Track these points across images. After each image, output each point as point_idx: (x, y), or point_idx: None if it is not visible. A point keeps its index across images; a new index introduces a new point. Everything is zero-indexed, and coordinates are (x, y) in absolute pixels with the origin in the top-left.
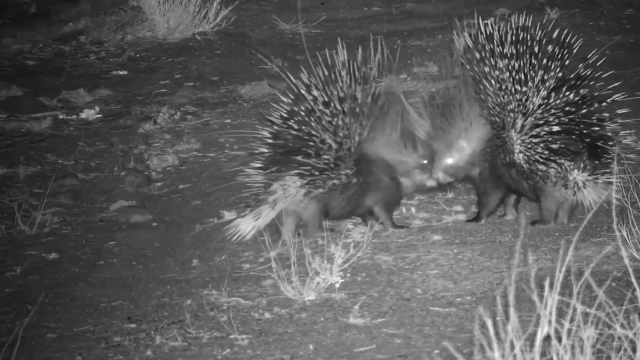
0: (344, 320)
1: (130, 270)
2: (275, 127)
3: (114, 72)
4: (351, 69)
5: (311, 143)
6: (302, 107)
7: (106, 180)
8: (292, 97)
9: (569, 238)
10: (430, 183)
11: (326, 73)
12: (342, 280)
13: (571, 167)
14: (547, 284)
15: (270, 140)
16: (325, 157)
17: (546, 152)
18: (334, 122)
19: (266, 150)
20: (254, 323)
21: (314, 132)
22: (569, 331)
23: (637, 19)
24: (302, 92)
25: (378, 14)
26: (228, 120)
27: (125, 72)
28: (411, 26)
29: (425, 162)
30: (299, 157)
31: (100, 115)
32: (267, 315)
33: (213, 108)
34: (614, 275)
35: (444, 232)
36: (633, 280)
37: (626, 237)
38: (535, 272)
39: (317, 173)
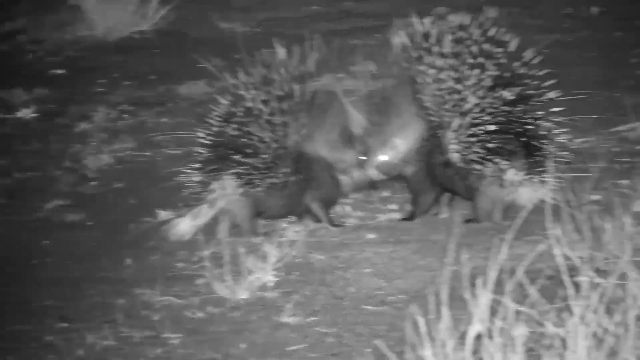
0: (276, 319)
1: (63, 269)
2: (214, 127)
3: (52, 71)
4: (289, 67)
5: (249, 142)
6: (241, 106)
7: (42, 179)
8: (230, 97)
9: (503, 236)
10: (365, 179)
11: (264, 72)
12: (276, 279)
13: (507, 166)
14: (479, 282)
15: (208, 140)
16: (263, 156)
17: (482, 151)
18: (272, 121)
19: (204, 151)
20: (186, 322)
21: (252, 131)
22: (501, 329)
23: (575, 18)
24: (241, 91)
25: (317, 13)
26: (165, 120)
27: (64, 71)
28: (350, 25)
29: (364, 159)
30: (237, 157)
31: (37, 114)
32: (199, 314)
33: (150, 107)
34: (546, 273)
35: (378, 230)
36: (565, 278)
37: (559, 236)
38: (468, 270)
39: (255, 172)
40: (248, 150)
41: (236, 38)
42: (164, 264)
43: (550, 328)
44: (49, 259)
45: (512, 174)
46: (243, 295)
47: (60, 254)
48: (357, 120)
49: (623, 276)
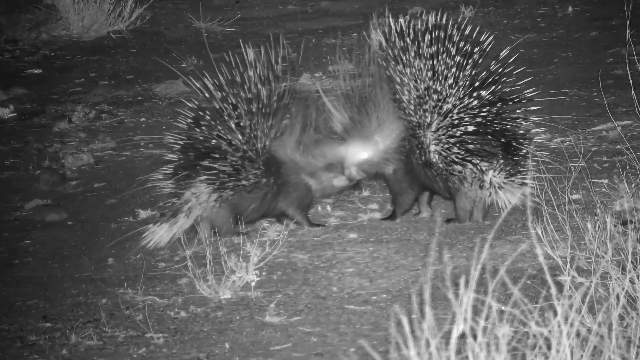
0: (259, 318)
1: (45, 269)
2: (184, 132)
3: (28, 70)
4: (258, 69)
5: (218, 145)
6: (208, 110)
7: (21, 179)
8: (198, 101)
9: (484, 236)
10: (339, 182)
11: (234, 73)
12: (258, 279)
13: (487, 167)
14: (462, 281)
15: (179, 146)
16: (232, 159)
17: (462, 152)
18: (241, 124)
19: (175, 157)
20: (169, 322)
21: (221, 135)
22: (485, 329)
23: (551, 17)
24: (211, 93)
25: (293, 13)
26: (143, 119)
27: (40, 71)
28: (326, 24)
29: (333, 162)
30: (205, 162)
31: (15, 114)
32: (182, 313)
33: (128, 107)
34: (528, 273)
35: (360, 230)
36: (547, 278)
37: (541, 235)
38: (450, 270)
39: (224, 177)
40: (215, 155)
41: (213, 37)
42: (146, 263)
43: (533, 327)
44: (31, 258)
45: (491, 175)
46: (226, 294)
47: (41, 254)
48: (336, 117)
49: (605, 275)
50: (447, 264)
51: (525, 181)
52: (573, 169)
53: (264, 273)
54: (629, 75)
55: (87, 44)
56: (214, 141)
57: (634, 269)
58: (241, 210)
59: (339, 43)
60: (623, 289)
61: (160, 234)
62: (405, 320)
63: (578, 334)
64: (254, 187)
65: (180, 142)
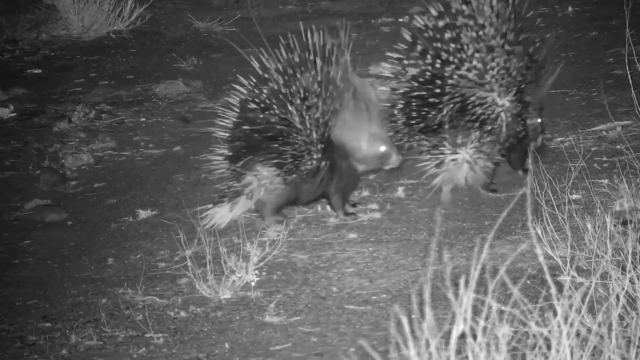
0: (259, 318)
1: (45, 269)
2: (245, 115)
3: (28, 70)
4: (322, 52)
5: (282, 130)
6: (272, 93)
7: (21, 179)
8: (255, 82)
9: (484, 236)
10: (386, 166)
11: (295, 58)
12: (258, 279)
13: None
14: (462, 281)
15: (232, 130)
16: (296, 143)
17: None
18: (304, 106)
19: (231, 138)
20: (169, 322)
21: (284, 117)
22: (484, 329)
23: (551, 17)
24: (271, 75)
25: (293, 13)
26: (143, 119)
27: (40, 71)
28: (326, 24)
29: (384, 149)
30: (270, 146)
31: (15, 114)
32: (182, 313)
33: (128, 106)
34: (528, 273)
35: (360, 230)
36: (547, 277)
37: (541, 235)
38: (450, 270)
39: (289, 160)
40: (280, 139)
41: (213, 37)
42: (146, 263)
43: (533, 327)
44: (30, 258)
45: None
46: (226, 294)
47: (41, 254)
48: (373, 106)
49: (605, 275)
50: (447, 264)
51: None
52: (573, 169)
53: (263, 273)
54: (629, 75)
55: (87, 44)
56: (278, 125)
57: (634, 269)
58: (299, 194)
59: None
60: (623, 289)
61: (220, 215)
62: (405, 320)
63: (578, 334)
64: (314, 171)
65: (236, 125)
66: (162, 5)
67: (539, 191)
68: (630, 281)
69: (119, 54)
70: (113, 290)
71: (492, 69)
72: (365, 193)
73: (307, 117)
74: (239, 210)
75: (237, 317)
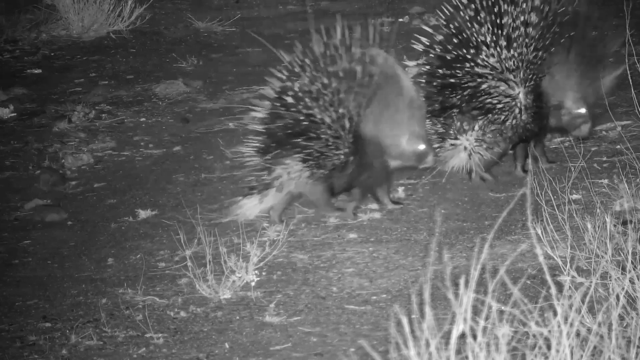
0: (259, 318)
1: (45, 269)
2: (270, 111)
3: (28, 70)
4: (349, 46)
5: (311, 124)
6: (301, 89)
7: (21, 179)
8: (285, 77)
9: (484, 236)
10: (421, 165)
11: (322, 50)
12: (258, 279)
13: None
14: (462, 281)
15: (265, 123)
16: (324, 137)
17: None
18: (332, 101)
19: (263, 130)
20: (169, 322)
21: (314, 113)
22: (484, 329)
23: None
24: (298, 70)
25: (293, 13)
26: (143, 119)
27: (40, 71)
28: (326, 24)
29: (423, 148)
30: (300, 140)
31: (15, 114)
32: (182, 313)
33: (128, 106)
34: (528, 273)
35: (360, 230)
36: (547, 278)
37: (541, 235)
38: (450, 270)
39: (317, 154)
40: (310, 133)
41: (213, 37)
42: (145, 263)
43: (533, 327)
44: (30, 258)
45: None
46: (225, 294)
47: (41, 254)
48: (415, 102)
49: (605, 275)
50: (447, 264)
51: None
52: (573, 169)
53: (263, 273)
54: (629, 75)
55: (87, 44)
56: (307, 121)
57: (634, 269)
58: (333, 186)
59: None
60: (623, 289)
61: (249, 206)
62: (405, 320)
63: (578, 334)
64: (344, 166)
65: (269, 119)
66: (162, 5)
67: (539, 191)
68: (630, 281)
69: (119, 54)
70: (113, 290)
71: (509, 59)
72: None
73: (333, 112)
74: (269, 202)
75: (237, 317)
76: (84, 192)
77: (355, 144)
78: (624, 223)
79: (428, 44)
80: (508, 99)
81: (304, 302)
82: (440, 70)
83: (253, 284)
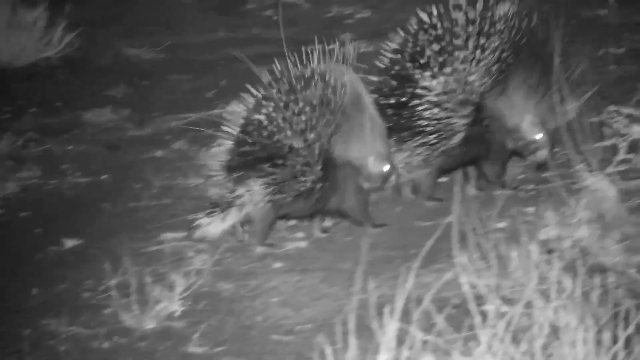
0: (183, 349)
1: None
2: (240, 133)
3: None
4: (322, 73)
5: (278, 150)
6: (271, 115)
7: None
8: (261, 105)
9: (410, 265)
10: (389, 184)
11: (296, 78)
12: (183, 309)
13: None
14: (387, 311)
15: (234, 145)
16: (292, 164)
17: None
18: (304, 127)
19: (231, 156)
20: (93, 353)
21: (281, 138)
22: (408, 358)
23: None
24: (271, 94)
25: (224, 39)
26: (71, 147)
27: None
28: (257, 51)
29: (386, 167)
30: (265, 166)
31: None
32: (106, 344)
33: (56, 134)
34: (453, 302)
35: (285, 259)
36: (472, 307)
37: (466, 264)
38: (375, 299)
39: (282, 181)
40: (278, 160)
41: (143, 64)
42: (70, 293)
43: (457, 357)
44: None
45: None
46: (150, 325)
47: None
48: (377, 122)
49: (529, 304)
50: (371, 294)
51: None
52: (499, 197)
53: (189, 303)
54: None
55: (15, 71)
56: (276, 146)
57: (558, 298)
58: (290, 210)
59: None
60: (547, 318)
61: (213, 225)
62: (328, 350)
63: None
64: (309, 192)
65: (237, 143)
66: (92, 32)
67: (465, 219)
68: (553, 310)
69: (48, 81)
70: (37, 320)
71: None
72: (292, 222)
73: (303, 140)
74: (231, 221)
75: (161, 348)
76: (9, 222)
77: (325, 170)
78: (549, 252)
79: (383, 66)
80: (442, 124)
81: (228, 332)
82: (388, 91)
83: (178, 313)
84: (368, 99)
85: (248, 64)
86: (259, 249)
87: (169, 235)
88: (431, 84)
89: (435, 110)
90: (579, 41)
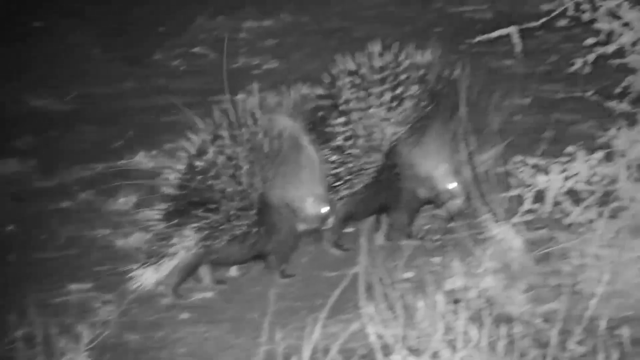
0: None
1: None
2: (176, 180)
3: None
4: (255, 117)
5: (211, 195)
6: (204, 159)
7: None
8: (194, 150)
9: (317, 315)
10: (326, 227)
11: (228, 122)
12: None
13: None
14: None
15: (171, 191)
16: (226, 209)
17: None
18: (236, 173)
19: (166, 203)
20: None
21: (216, 183)
22: None
23: None
24: (205, 140)
25: (131, 89)
26: None
27: None
28: (164, 102)
29: (325, 209)
30: (198, 212)
31: None
32: None
33: None
34: (360, 352)
35: (193, 310)
36: (378, 357)
37: (373, 314)
38: (282, 350)
39: (216, 225)
40: (209, 205)
41: (49, 115)
42: None
43: None
44: None
45: None
46: None
47: None
48: (316, 165)
49: (436, 354)
50: (279, 344)
51: None
52: (405, 247)
53: (95, 354)
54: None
55: None
56: (209, 190)
57: (464, 348)
58: (225, 258)
59: (175, 120)
60: None
61: (146, 277)
62: None
63: None
64: (244, 236)
65: (176, 183)
66: None
67: (371, 270)
68: None
69: None
70: None
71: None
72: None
73: (238, 184)
74: (165, 271)
75: None
76: None
77: (260, 214)
78: (456, 301)
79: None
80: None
81: None
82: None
83: None
84: (307, 141)
85: (184, 111)
86: (166, 300)
87: (74, 286)
88: (341, 129)
89: (341, 154)
90: (486, 91)
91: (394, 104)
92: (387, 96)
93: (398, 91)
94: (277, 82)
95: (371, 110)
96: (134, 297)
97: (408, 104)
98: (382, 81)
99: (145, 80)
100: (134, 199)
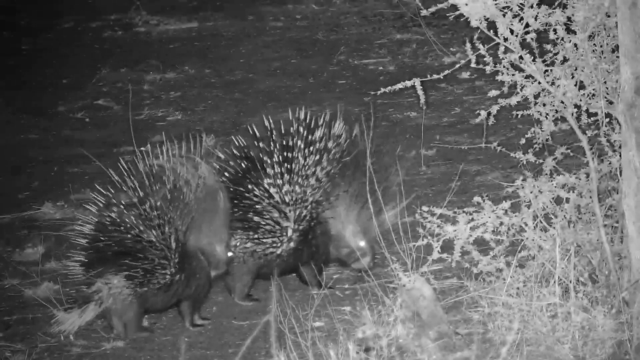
0: None
1: None
2: (93, 231)
3: None
4: (172, 165)
5: (137, 244)
6: (126, 209)
7: None
8: (105, 201)
9: None
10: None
11: (147, 171)
12: None
13: None
14: None
15: (88, 242)
16: (150, 257)
17: None
18: (158, 222)
19: (87, 244)
20: None
21: (138, 233)
22: None
23: None
24: (128, 191)
25: (35, 141)
26: None
27: None
28: (68, 152)
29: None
30: (123, 260)
31: None
32: None
33: None
34: None
35: (103, 359)
36: None
37: None
38: None
39: (141, 274)
40: (138, 254)
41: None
42: None
43: None
44: None
45: None
46: None
47: None
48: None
49: None
50: None
51: None
52: (316, 296)
53: None
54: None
55: None
56: (134, 240)
57: None
58: (151, 305)
59: (82, 171)
60: None
61: (70, 321)
62: None
63: None
64: (168, 284)
65: (92, 235)
66: None
67: (282, 318)
68: None
69: None
70: None
71: (289, 192)
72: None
73: (160, 233)
74: (88, 316)
75: None
76: None
77: (181, 262)
78: (367, 350)
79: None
80: (278, 227)
81: None
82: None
83: None
84: (220, 189)
85: (95, 162)
86: (76, 349)
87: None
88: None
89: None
90: (390, 143)
91: (308, 171)
92: (300, 162)
93: (310, 160)
94: (182, 134)
95: (285, 177)
96: (44, 346)
97: (320, 171)
98: (292, 148)
99: (49, 131)
100: (42, 249)
